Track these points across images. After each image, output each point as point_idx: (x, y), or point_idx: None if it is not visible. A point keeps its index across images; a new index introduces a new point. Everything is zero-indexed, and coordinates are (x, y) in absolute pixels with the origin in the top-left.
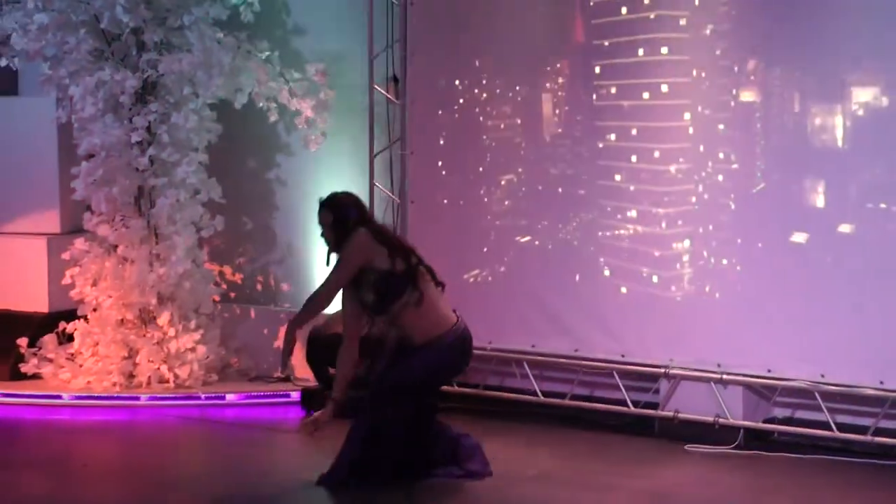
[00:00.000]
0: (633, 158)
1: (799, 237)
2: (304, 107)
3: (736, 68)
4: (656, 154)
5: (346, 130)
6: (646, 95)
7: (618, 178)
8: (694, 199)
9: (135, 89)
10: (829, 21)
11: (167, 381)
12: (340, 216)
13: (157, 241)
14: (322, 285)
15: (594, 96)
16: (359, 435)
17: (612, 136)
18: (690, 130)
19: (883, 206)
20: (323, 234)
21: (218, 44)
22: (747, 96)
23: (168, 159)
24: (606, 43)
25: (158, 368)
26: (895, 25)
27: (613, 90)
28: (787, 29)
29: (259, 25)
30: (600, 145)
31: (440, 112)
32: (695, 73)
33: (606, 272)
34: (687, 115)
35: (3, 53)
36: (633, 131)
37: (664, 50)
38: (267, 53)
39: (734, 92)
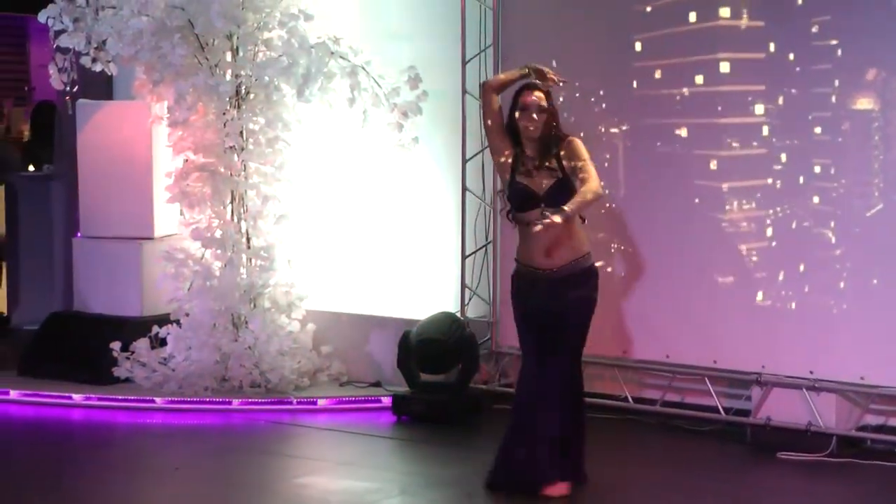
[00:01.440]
0: (724, 163)
1: (893, 245)
2: (397, 112)
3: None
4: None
5: (439, 136)
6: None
7: (710, 182)
8: (789, 206)
9: (228, 94)
10: None
11: (259, 386)
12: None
13: (249, 246)
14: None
15: (678, 98)
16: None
17: (703, 143)
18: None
19: None
20: (533, 115)
21: (311, 49)
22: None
23: (261, 164)
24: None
25: (250, 373)
26: None
27: (694, 92)
28: None
29: (353, 31)
30: (686, 149)
31: None
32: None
33: (697, 277)
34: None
35: (98, 58)
36: (721, 136)
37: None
38: (361, 58)
39: None
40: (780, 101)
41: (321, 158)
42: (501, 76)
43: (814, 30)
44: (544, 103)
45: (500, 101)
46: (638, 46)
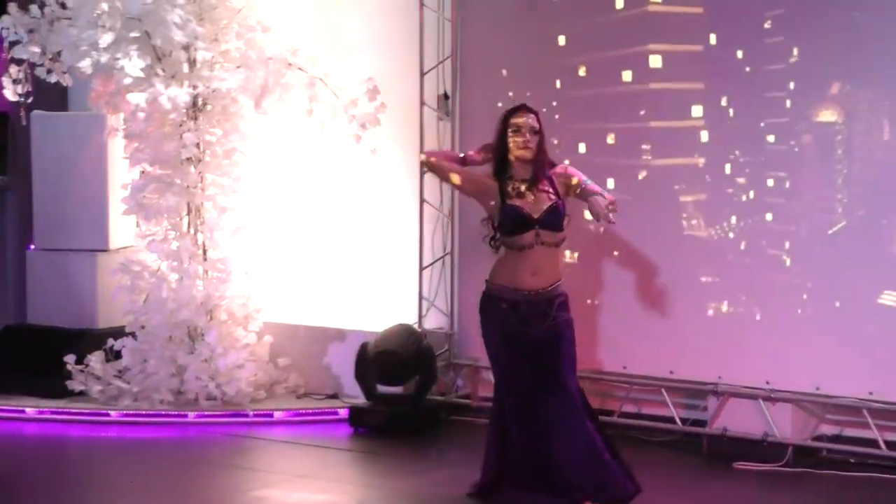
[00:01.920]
0: (686, 179)
1: (846, 257)
2: (355, 124)
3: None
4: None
5: (397, 147)
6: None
7: (670, 194)
8: (743, 220)
9: (185, 106)
10: None
11: (215, 399)
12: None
13: (205, 258)
14: None
15: (642, 112)
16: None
17: (663, 153)
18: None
19: None
20: (526, 135)
21: (269, 61)
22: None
23: (218, 176)
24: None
25: (206, 386)
26: None
27: (667, 100)
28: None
29: (311, 43)
30: (647, 160)
31: (490, 128)
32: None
33: (654, 289)
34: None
35: (53, 69)
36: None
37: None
38: (319, 70)
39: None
40: (724, 102)
41: (279, 170)
42: (443, 163)
43: (766, 25)
44: (536, 125)
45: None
46: (628, 76)
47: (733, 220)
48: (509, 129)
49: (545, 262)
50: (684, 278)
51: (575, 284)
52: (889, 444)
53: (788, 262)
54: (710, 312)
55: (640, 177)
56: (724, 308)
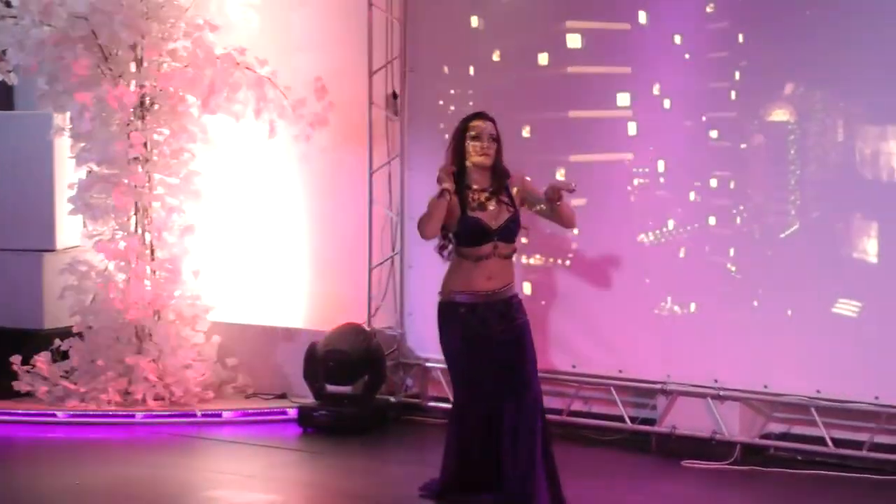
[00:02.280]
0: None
1: (795, 258)
2: (304, 123)
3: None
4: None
5: (346, 147)
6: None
7: (617, 193)
8: (689, 217)
9: (132, 105)
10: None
11: (163, 399)
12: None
13: (153, 258)
14: None
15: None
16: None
17: (600, 153)
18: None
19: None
20: (485, 141)
21: (216, 60)
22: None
23: (165, 175)
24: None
25: (154, 386)
26: None
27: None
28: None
29: (259, 42)
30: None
31: (440, 127)
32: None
33: (602, 288)
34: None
35: None
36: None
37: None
38: (267, 69)
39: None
40: (656, 90)
41: (227, 169)
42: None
43: (709, 9)
44: (495, 132)
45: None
46: (544, 59)
47: (671, 222)
48: (468, 135)
49: (499, 270)
50: (633, 278)
51: (523, 283)
52: (836, 442)
53: (735, 266)
54: (659, 312)
55: (557, 174)
56: (673, 308)
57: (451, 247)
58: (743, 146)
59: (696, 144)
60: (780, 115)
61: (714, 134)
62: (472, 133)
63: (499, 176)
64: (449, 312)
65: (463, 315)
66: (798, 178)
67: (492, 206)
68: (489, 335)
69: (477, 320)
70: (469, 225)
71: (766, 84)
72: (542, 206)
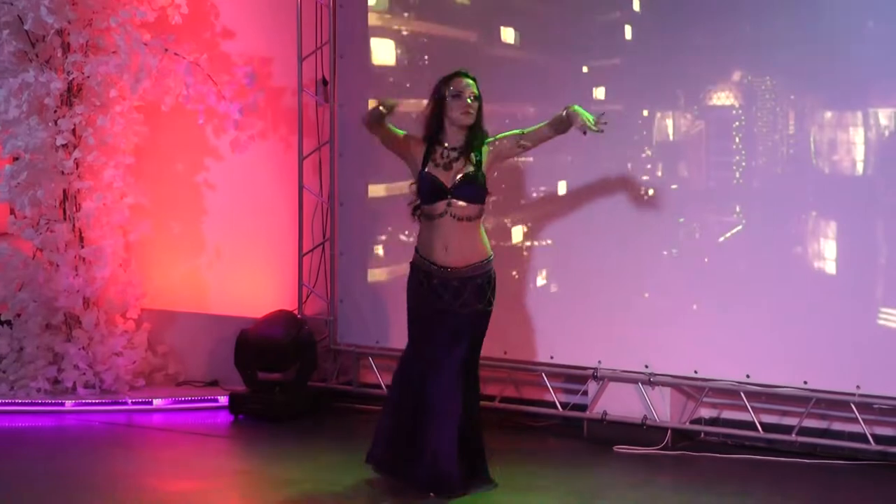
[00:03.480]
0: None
1: (723, 241)
2: (233, 110)
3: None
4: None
5: (275, 133)
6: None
7: (551, 179)
8: (615, 202)
9: (60, 91)
10: None
11: (93, 387)
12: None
13: (82, 245)
14: None
15: (517, 102)
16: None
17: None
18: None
19: (803, 216)
20: (467, 100)
21: (145, 46)
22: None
23: (94, 162)
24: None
25: (84, 374)
26: None
27: (542, 94)
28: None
29: (187, 28)
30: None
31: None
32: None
33: (535, 275)
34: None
35: None
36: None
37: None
38: (195, 56)
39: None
40: (585, 69)
41: (158, 156)
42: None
43: None
44: (476, 91)
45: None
46: (475, 45)
47: (604, 209)
48: (448, 94)
49: (455, 237)
50: (563, 264)
51: None
52: (765, 427)
53: (667, 252)
54: (590, 297)
55: None
56: (604, 293)
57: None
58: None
59: (629, 129)
60: (723, 98)
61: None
62: (454, 91)
63: (476, 136)
64: (412, 271)
65: (420, 281)
66: (743, 168)
67: (458, 165)
68: (442, 307)
69: (431, 289)
70: (425, 180)
71: (710, 68)
72: (545, 129)
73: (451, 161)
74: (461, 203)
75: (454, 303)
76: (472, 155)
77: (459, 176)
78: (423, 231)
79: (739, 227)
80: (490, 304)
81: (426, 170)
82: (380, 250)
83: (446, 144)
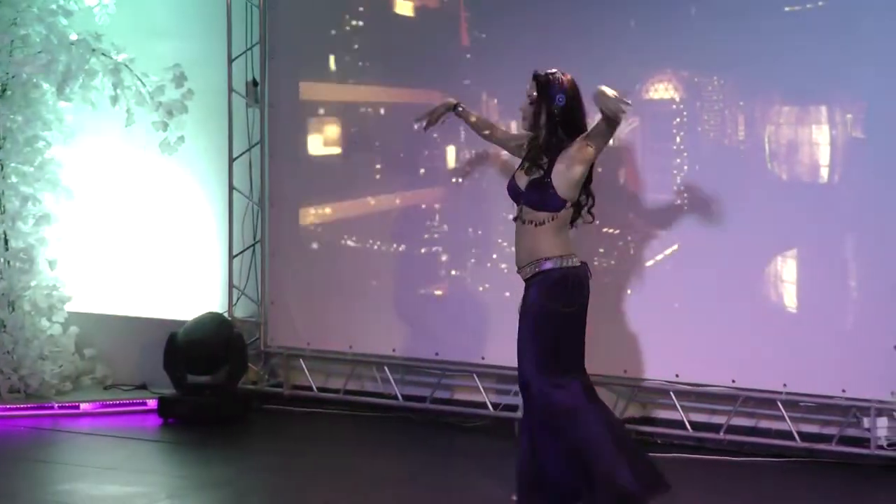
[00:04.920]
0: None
1: (654, 243)
2: (162, 111)
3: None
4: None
5: (205, 134)
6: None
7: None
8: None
9: None
10: None
11: (18, 392)
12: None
13: (7, 247)
14: None
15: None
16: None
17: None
18: None
19: (729, 211)
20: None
21: (72, 46)
22: None
23: (20, 164)
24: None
25: (9, 378)
26: None
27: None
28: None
29: (115, 28)
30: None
31: (300, 115)
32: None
33: (465, 277)
34: None
35: None
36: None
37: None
38: (123, 56)
39: None
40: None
41: (85, 158)
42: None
43: None
44: (534, 92)
45: (476, 118)
46: (410, 35)
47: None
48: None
49: (525, 240)
50: (491, 265)
51: (383, 270)
52: (694, 425)
53: (593, 251)
54: (515, 299)
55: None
56: None
57: None
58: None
59: None
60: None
61: None
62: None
63: (548, 139)
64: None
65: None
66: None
67: (537, 170)
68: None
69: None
70: (509, 184)
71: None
72: (600, 124)
73: (529, 167)
74: (529, 209)
75: (523, 305)
76: (544, 158)
77: (527, 181)
78: None
79: (669, 230)
80: (548, 302)
81: (515, 172)
82: (311, 252)
83: (534, 147)
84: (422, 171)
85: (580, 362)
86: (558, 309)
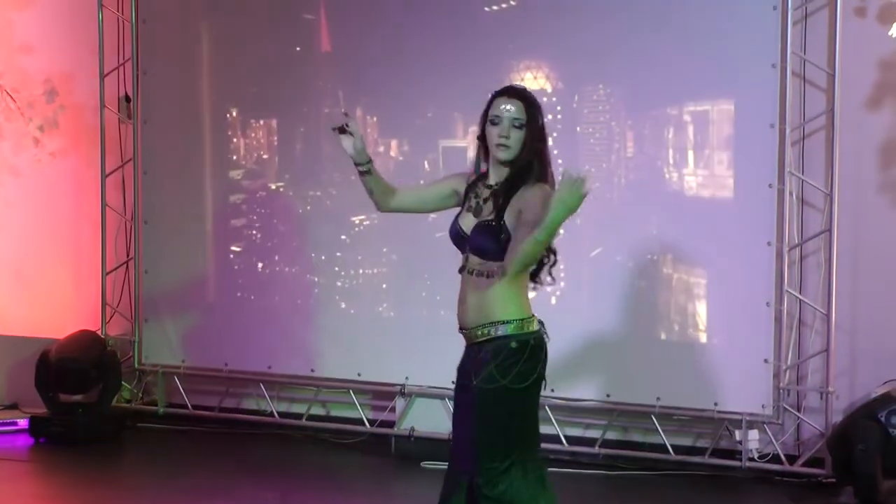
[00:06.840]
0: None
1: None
2: (32, 126)
3: None
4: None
5: (77, 150)
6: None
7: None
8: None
9: None
10: None
11: None
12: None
13: None
14: None
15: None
16: None
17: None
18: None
19: (598, 225)
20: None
21: None
22: None
23: None
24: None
25: None
26: None
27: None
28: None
29: None
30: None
31: (174, 131)
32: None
33: (335, 294)
34: None
35: None
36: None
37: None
38: None
39: None
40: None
41: None
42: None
43: None
44: (522, 116)
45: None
46: (281, 60)
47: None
48: (489, 118)
49: (473, 296)
50: (363, 281)
51: (255, 288)
52: (569, 439)
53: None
54: (396, 315)
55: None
56: (410, 310)
57: None
58: None
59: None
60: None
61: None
62: (493, 115)
63: (518, 173)
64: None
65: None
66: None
67: (487, 209)
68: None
69: (463, 356)
70: (451, 228)
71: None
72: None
73: (482, 204)
74: (475, 257)
75: (472, 374)
76: (502, 198)
77: (475, 222)
78: None
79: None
80: (503, 376)
81: (458, 215)
82: (185, 269)
83: (489, 182)
84: (294, 186)
85: (532, 443)
86: (513, 386)
